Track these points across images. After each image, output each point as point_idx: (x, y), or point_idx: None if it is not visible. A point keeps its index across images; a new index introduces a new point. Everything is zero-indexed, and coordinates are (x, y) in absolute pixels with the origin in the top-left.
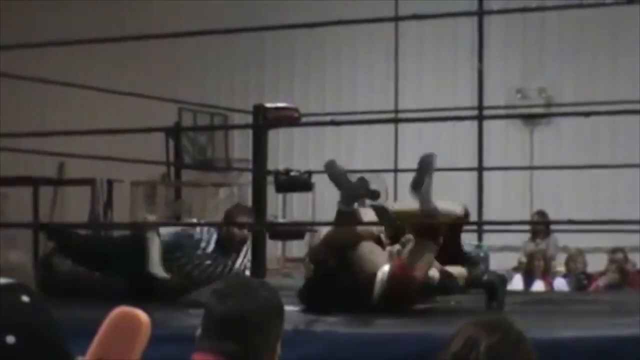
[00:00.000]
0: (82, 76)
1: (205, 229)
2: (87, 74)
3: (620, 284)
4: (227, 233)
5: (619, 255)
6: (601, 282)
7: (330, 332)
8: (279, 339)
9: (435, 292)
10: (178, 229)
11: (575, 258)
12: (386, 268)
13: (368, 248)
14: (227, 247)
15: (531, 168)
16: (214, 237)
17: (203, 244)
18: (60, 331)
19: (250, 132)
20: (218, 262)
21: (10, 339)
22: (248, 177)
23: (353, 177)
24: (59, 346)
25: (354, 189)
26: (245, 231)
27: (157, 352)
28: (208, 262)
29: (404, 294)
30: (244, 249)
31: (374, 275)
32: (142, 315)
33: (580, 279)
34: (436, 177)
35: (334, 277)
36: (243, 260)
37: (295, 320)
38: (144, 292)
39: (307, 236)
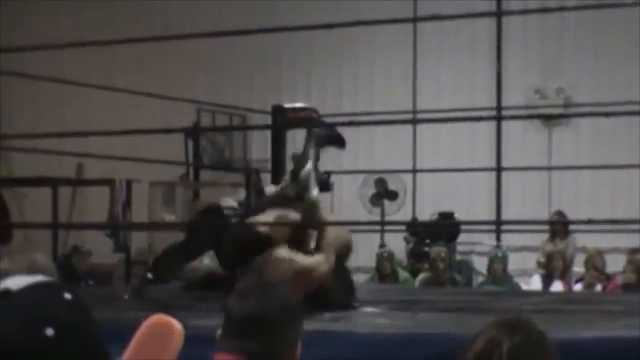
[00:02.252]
0: (100, 77)
1: None
2: (105, 74)
3: (639, 285)
4: None
5: (638, 256)
6: (618, 280)
7: (348, 332)
8: (299, 338)
9: None
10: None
11: (594, 258)
12: None
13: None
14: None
15: (550, 168)
16: None
17: None
18: (100, 331)
19: (268, 132)
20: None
21: (50, 332)
22: (266, 177)
23: (371, 178)
24: (97, 345)
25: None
26: None
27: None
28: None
29: None
30: None
31: None
32: (175, 323)
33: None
34: (455, 177)
35: None
36: None
37: (315, 320)
38: None
39: None
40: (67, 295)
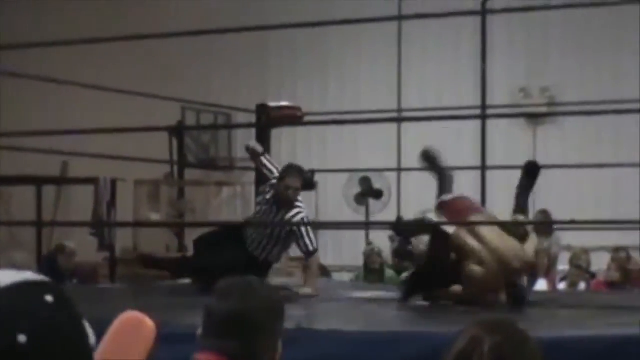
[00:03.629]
0: (85, 75)
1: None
2: (90, 72)
3: (623, 283)
4: (281, 191)
5: (621, 254)
6: (602, 279)
7: (332, 331)
8: (280, 337)
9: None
10: None
11: (579, 257)
12: None
13: None
14: (279, 202)
15: None
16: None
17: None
18: (84, 334)
19: (253, 131)
20: (272, 210)
21: (22, 338)
22: (251, 176)
23: (356, 177)
24: (79, 350)
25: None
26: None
27: (158, 352)
28: (266, 206)
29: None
30: (295, 209)
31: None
32: (147, 319)
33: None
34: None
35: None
36: (294, 215)
37: (296, 319)
38: None
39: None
40: (49, 298)
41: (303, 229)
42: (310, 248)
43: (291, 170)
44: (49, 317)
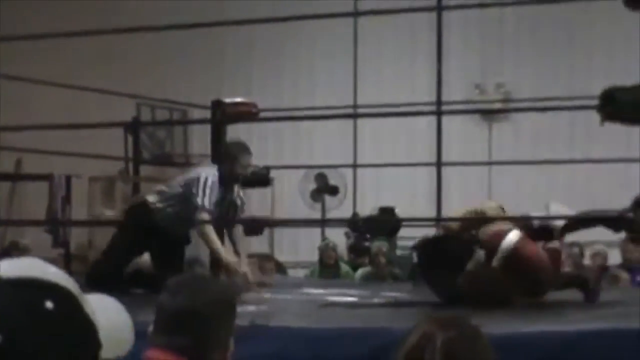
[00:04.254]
0: (39, 71)
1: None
2: (45, 69)
3: None
4: (235, 171)
5: (575, 250)
6: None
7: (286, 327)
8: (231, 334)
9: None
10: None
11: None
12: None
13: None
14: (228, 181)
15: (489, 163)
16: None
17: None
18: (80, 345)
19: (209, 127)
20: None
21: None
22: None
23: (312, 173)
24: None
25: None
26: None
27: None
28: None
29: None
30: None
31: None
32: None
33: None
34: (396, 172)
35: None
36: (237, 194)
37: (250, 315)
38: None
39: (266, 232)
40: (49, 304)
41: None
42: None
43: (240, 147)
44: (38, 323)
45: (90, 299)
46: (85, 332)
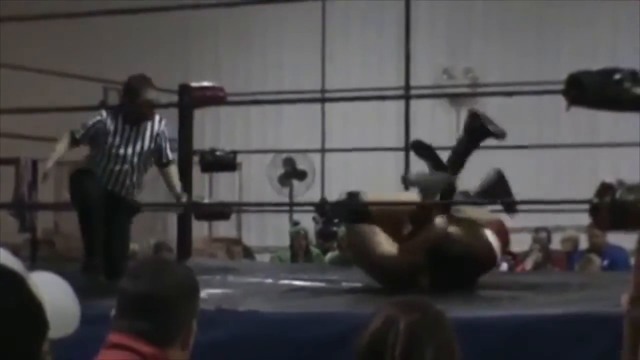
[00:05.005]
0: (7, 54)
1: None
2: (11, 52)
3: (544, 264)
4: (141, 109)
5: (543, 235)
6: (527, 265)
7: (252, 312)
8: (194, 316)
9: None
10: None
11: None
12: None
13: None
14: (134, 119)
15: None
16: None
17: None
18: (34, 332)
19: (176, 111)
20: (130, 136)
21: None
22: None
23: (280, 157)
24: (14, 347)
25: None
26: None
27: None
28: (118, 137)
29: None
30: (156, 117)
31: None
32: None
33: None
34: (364, 157)
35: None
36: (158, 127)
37: (217, 299)
38: None
39: (234, 216)
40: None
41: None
42: (171, 156)
43: (141, 80)
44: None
45: (35, 278)
46: (31, 314)
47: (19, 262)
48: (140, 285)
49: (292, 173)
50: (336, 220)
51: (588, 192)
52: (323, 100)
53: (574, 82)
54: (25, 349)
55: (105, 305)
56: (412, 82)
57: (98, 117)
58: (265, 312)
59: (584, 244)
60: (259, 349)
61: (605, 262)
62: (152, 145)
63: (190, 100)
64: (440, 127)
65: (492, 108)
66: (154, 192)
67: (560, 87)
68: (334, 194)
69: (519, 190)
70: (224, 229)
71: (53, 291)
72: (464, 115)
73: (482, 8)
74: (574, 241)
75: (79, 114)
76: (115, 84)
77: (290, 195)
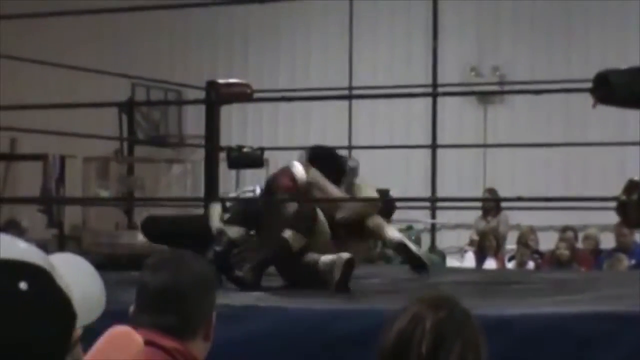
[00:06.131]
0: (35, 51)
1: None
2: (40, 48)
3: (570, 262)
4: None
5: (569, 234)
6: (551, 258)
7: (277, 307)
8: (213, 308)
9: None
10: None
11: (526, 236)
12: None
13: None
14: None
15: (485, 146)
16: None
17: None
18: (64, 326)
19: (203, 107)
20: None
21: None
22: (201, 153)
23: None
24: (47, 347)
25: None
26: None
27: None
28: None
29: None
30: None
31: None
32: (135, 335)
33: (525, 261)
34: (391, 154)
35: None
36: None
37: (241, 296)
38: None
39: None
40: (22, 285)
41: None
42: None
43: None
44: (15, 306)
45: (60, 260)
46: (61, 307)
47: (43, 253)
48: (160, 278)
49: None
50: None
51: (616, 190)
52: (350, 97)
53: (602, 81)
54: (55, 346)
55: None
56: (440, 80)
57: None
58: (290, 307)
59: (609, 242)
60: (284, 346)
61: (633, 261)
62: None
63: (217, 97)
64: (468, 125)
65: (520, 106)
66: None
67: (589, 85)
68: None
69: (547, 188)
70: None
71: (77, 274)
72: (491, 113)
73: (510, 6)
74: (594, 240)
75: (107, 110)
76: (143, 80)
77: None
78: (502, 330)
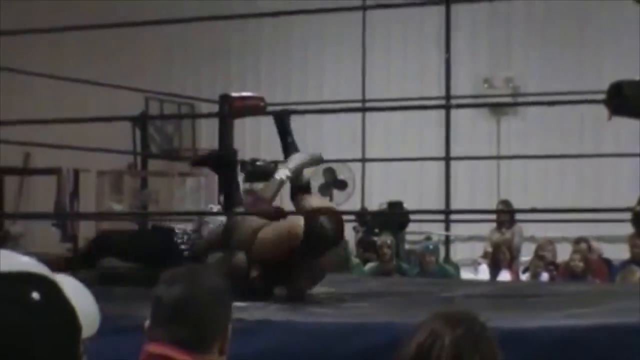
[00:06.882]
0: (48, 65)
1: None
2: (53, 62)
3: (584, 274)
4: None
5: (583, 245)
6: (565, 270)
7: (289, 322)
8: (229, 321)
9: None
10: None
11: (544, 247)
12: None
13: None
14: None
15: (498, 157)
16: None
17: None
18: (73, 335)
19: (216, 121)
20: None
21: None
22: None
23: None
24: (61, 355)
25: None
26: None
27: (104, 346)
28: None
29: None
30: None
31: None
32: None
33: (538, 272)
34: (405, 166)
35: None
36: None
37: (255, 310)
38: None
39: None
40: (35, 295)
41: None
42: None
43: None
44: (31, 319)
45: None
46: (69, 317)
47: (46, 268)
48: (175, 292)
49: (332, 183)
50: (376, 230)
51: (630, 201)
52: (364, 110)
53: (615, 92)
54: (68, 354)
55: (135, 315)
56: (453, 92)
57: None
58: (301, 322)
59: (620, 254)
60: None
61: None
62: None
63: (230, 110)
64: (481, 136)
65: (533, 117)
66: (193, 200)
67: (602, 96)
68: (375, 204)
69: (560, 199)
70: None
71: (74, 293)
72: (505, 124)
73: (523, 18)
74: (597, 251)
75: (120, 124)
76: (156, 94)
77: None
78: (518, 344)
